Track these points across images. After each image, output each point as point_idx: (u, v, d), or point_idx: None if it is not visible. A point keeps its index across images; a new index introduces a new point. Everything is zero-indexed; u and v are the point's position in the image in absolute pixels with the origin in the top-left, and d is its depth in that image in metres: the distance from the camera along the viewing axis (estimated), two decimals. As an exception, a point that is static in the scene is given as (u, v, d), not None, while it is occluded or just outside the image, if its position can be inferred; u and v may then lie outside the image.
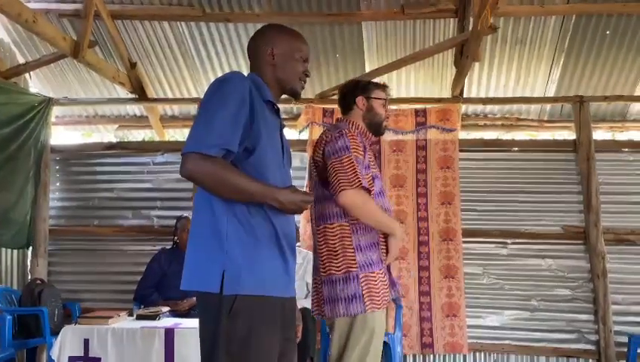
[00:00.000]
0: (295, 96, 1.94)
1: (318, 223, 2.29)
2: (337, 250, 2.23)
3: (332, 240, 2.25)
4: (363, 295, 2.18)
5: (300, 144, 4.72)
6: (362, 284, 2.19)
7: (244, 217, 1.66)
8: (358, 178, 2.17)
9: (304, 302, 3.67)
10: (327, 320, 2.30)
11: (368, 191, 2.22)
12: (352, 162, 2.20)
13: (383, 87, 2.51)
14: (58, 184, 5.03)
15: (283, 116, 5.66)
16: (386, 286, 2.25)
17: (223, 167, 1.61)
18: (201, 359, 1.67)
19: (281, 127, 1.88)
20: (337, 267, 2.22)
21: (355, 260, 2.21)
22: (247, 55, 1.95)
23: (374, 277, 2.22)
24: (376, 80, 4.76)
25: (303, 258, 4.10)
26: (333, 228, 2.25)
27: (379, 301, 2.21)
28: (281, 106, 5.86)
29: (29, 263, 4.88)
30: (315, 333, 3.98)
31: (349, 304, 2.19)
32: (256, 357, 1.62)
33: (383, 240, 2.30)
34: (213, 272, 1.62)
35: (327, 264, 2.25)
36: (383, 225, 2.26)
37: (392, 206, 4.44)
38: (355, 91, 2.45)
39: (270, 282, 1.68)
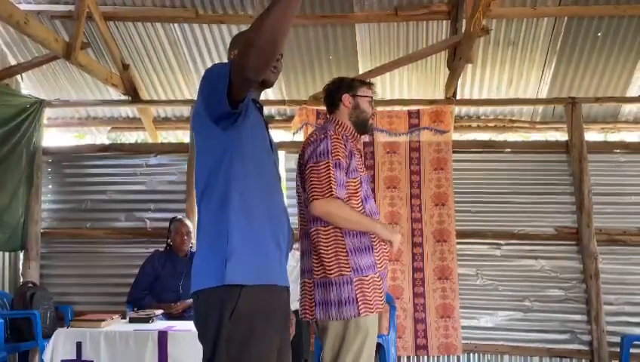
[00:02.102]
0: (269, 86, 1.91)
1: (311, 225, 2.26)
2: (331, 253, 2.21)
3: (325, 242, 2.22)
4: (357, 298, 2.16)
5: (295, 146, 4.72)
6: (356, 288, 2.17)
7: (246, 211, 1.68)
8: (331, 187, 2.14)
9: (297, 304, 3.66)
10: (320, 323, 2.27)
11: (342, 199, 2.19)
12: (329, 169, 2.17)
13: (369, 84, 2.47)
14: (50, 186, 5.00)
15: (277, 118, 5.68)
16: (379, 290, 2.24)
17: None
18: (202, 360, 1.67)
19: (266, 124, 1.89)
20: (331, 270, 2.20)
21: (348, 264, 2.19)
22: None
23: (368, 280, 2.21)
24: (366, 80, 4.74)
25: (297, 261, 4.08)
26: (327, 231, 2.22)
27: (372, 304, 2.19)
28: (274, 108, 5.83)
29: (20, 266, 4.85)
30: (309, 335, 3.97)
31: (343, 307, 2.17)
32: (258, 358, 1.63)
33: (375, 242, 2.28)
34: (216, 264, 1.63)
35: (320, 266, 2.23)
36: (362, 227, 2.23)
37: (380, 208, 4.46)
38: (341, 89, 2.40)
39: (272, 269, 1.72)
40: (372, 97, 2.43)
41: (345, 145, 2.26)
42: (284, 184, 4.62)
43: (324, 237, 2.23)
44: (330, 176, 2.16)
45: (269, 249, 1.73)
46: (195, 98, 1.78)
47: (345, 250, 2.20)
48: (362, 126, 2.39)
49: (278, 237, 1.77)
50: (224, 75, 1.57)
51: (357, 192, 2.26)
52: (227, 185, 1.68)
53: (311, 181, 2.18)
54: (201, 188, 1.74)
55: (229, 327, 1.60)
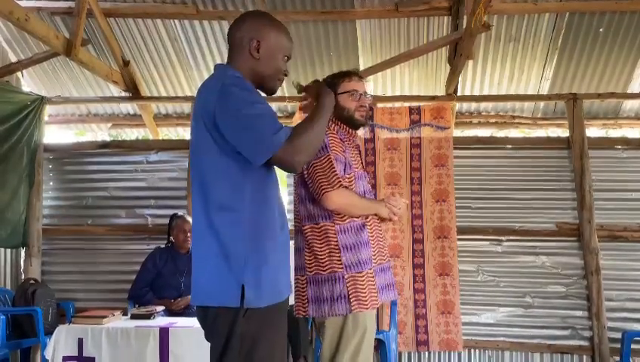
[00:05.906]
0: (271, 94, 1.88)
1: (304, 223, 2.27)
2: (324, 250, 2.22)
3: (319, 240, 2.23)
4: (349, 295, 2.16)
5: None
6: (348, 285, 2.17)
7: (260, 225, 1.67)
8: (338, 178, 2.17)
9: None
10: (317, 319, 2.28)
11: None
12: (331, 162, 2.19)
13: (350, 75, 2.34)
14: (51, 183, 5.00)
15: (278, 114, 5.68)
16: (374, 286, 2.22)
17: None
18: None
19: None
20: (323, 267, 2.21)
21: (340, 261, 2.19)
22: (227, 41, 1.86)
23: (362, 277, 2.20)
24: (369, 77, 4.69)
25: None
26: (320, 228, 2.23)
27: (366, 301, 2.18)
28: (275, 104, 5.82)
29: (22, 263, 4.85)
30: (307, 332, 3.98)
31: (334, 304, 2.17)
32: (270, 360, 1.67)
33: (372, 237, 2.29)
34: (232, 287, 1.61)
35: (313, 263, 2.23)
36: (371, 211, 2.29)
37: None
38: None
39: (281, 286, 1.73)
40: (355, 89, 2.32)
41: (341, 140, 2.28)
42: (283, 180, 4.63)
43: (318, 235, 2.23)
44: (333, 169, 2.18)
45: (278, 260, 1.72)
46: (195, 95, 1.76)
47: (337, 248, 2.20)
48: (349, 122, 2.35)
49: (285, 242, 1.77)
50: (270, 146, 1.61)
51: (351, 188, 2.27)
52: (246, 202, 1.66)
53: (317, 175, 2.18)
54: (213, 198, 1.66)
55: (241, 330, 1.61)
